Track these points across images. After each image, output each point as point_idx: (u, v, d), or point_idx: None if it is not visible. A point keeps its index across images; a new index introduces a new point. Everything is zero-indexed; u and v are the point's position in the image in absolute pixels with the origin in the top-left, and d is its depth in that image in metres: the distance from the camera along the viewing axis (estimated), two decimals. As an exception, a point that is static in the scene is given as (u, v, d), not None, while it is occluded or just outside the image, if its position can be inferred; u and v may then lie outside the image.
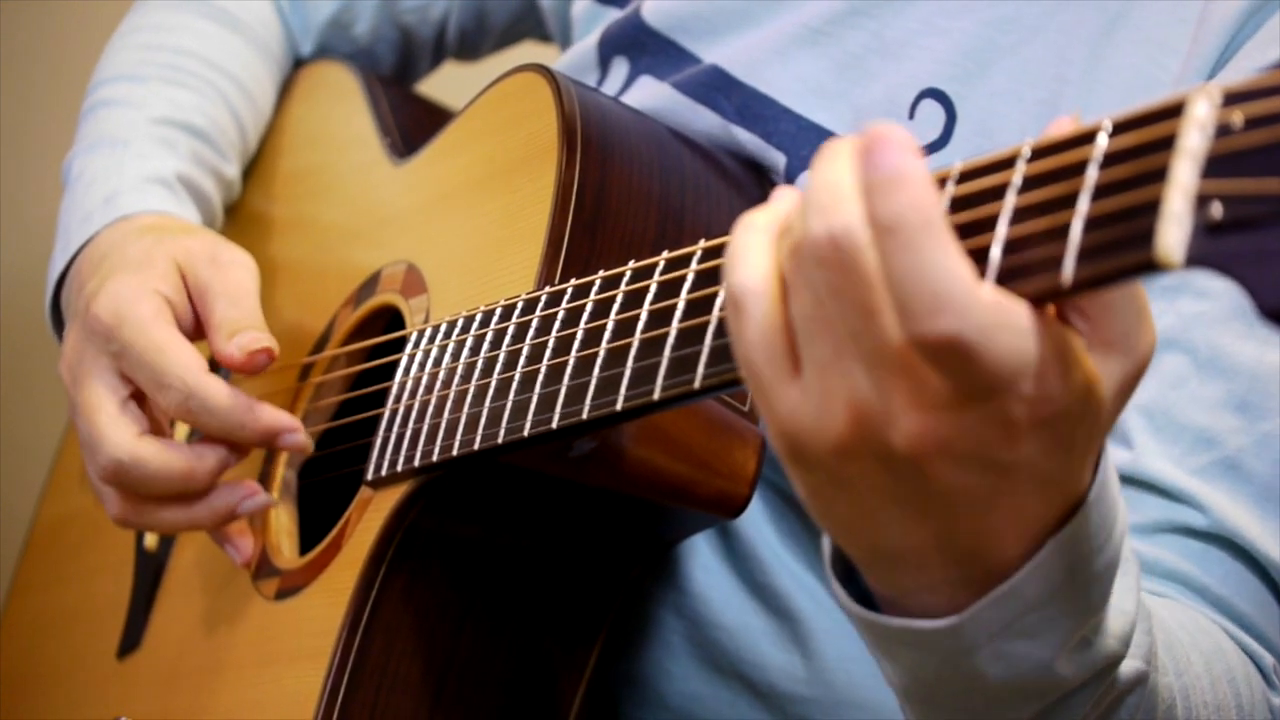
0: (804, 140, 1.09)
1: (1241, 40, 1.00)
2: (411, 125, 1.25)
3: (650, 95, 1.16)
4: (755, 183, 1.11)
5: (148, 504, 1.08)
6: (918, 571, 0.73)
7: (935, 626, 0.73)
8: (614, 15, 1.23)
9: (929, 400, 0.66)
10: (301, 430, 1.07)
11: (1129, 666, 0.80)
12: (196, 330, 1.11)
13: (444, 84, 1.48)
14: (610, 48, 1.21)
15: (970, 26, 1.07)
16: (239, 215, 1.35)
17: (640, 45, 1.19)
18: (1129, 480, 0.97)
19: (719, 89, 1.13)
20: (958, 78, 1.06)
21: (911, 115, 1.06)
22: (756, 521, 1.11)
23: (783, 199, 0.72)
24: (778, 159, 1.10)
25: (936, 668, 0.76)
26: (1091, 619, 0.76)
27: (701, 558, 1.12)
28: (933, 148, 1.05)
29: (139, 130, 1.26)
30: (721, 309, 0.79)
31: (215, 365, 1.25)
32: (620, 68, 1.20)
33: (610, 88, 1.20)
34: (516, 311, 0.96)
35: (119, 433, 1.07)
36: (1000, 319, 0.64)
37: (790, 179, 1.09)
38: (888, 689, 1.08)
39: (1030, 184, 0.66)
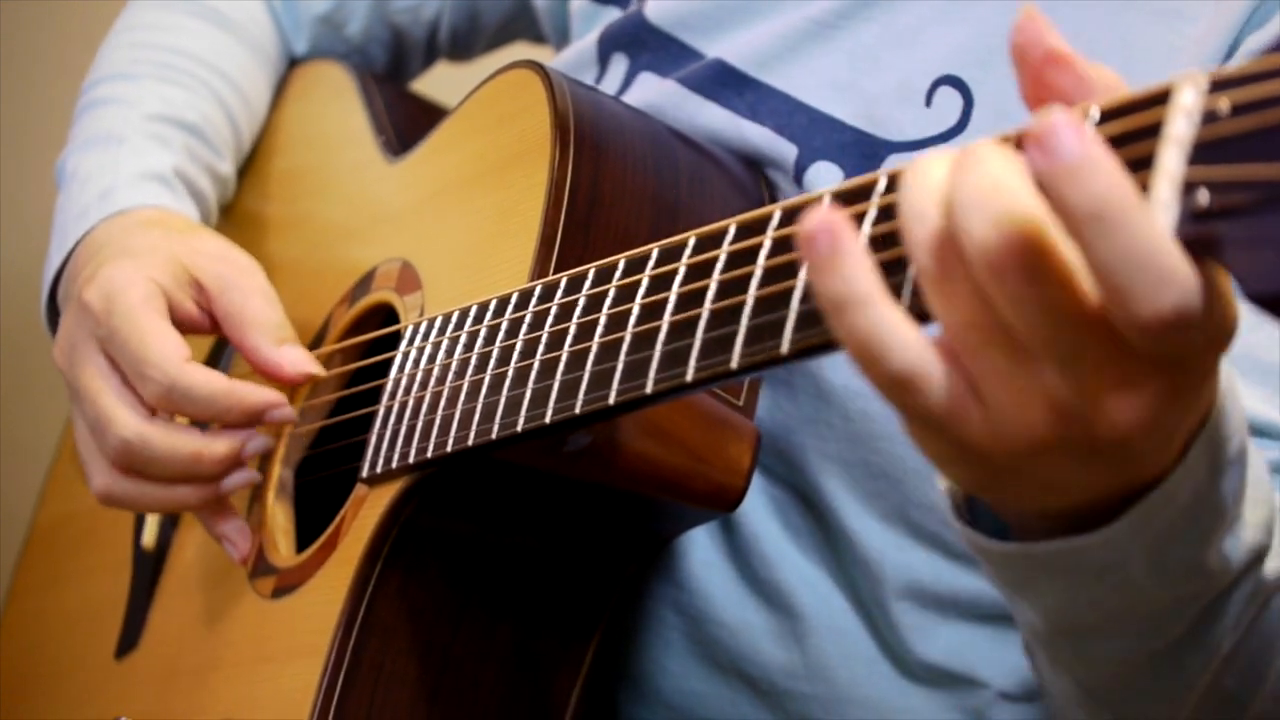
0: (815, 131, 1.09)
1: (1273, 8, 0.99)
2: (406, 123, 1.25)
3: (653, 92, 1.16)
4: (753, 181, 1.11)
5: (134, 480, 1.08)
6: (1068, 516, 0.73)
7: (1092, 540, 0.73)
8: (613, 14, 1.23)
9: (1139, 384, 0.64)
10: (286, 403, 1.07)
11: (1273, 566, 0.81)
12: (197, 323, 1.11)
13: (438, 83, 1.48)
14: (610, 45, 1.21)
15: (982, 13, 1.07)
16: (235, 213, 1.35)
17: (640, 42, 1.19)
18: None
19: (728, 85, 1.13)
20: (972, 63, 1.06)
21: (928, 103, 1.06)
22: (759, 516, 1.11)
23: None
24: (788, 151, 1.09)
25: (1091, 588, 0.75)
26: (1233, 510, 0.76)
27: (702, 553, 1.12)
28: (951, 134, 1.05)
29: (133, 127, 1.26)
30: (714, 302, 0.79)
31: (219, 350, 1.25)
32: (619, 65, 1.20)
33: (609, 85, 1.20)
34: (510, 306, 0.96)
35: (126, 413, 1.07)
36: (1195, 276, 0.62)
37: (800, 170, 1.09)
38: (888, 686, 1.10)
39: (1020, 173, 0.66)
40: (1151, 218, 0.61)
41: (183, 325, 1.11)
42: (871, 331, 0.66)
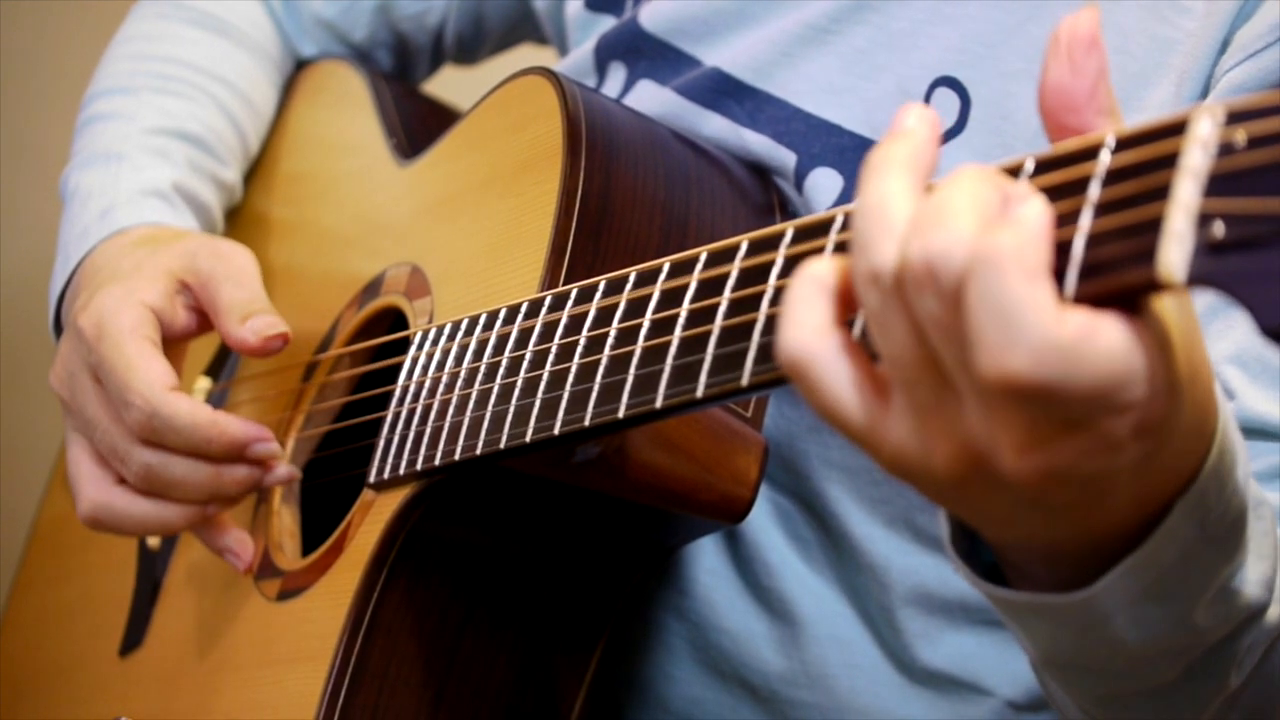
0: (814, 137, 1.09)
1: (1257, 3, 0.98)
2: (417, 125, 1.25)
3: (653, 100, 1.16)
4: (760, 188, 1.11)
5: (154, 502, 1.08)
6: (1045, 556, 0.73)
7: (1067, 601, 0.73)
8: (609, 22, 1.23)
9: (1036, 436, 0.64)
10: (272, 438, 1.07)
11: (1276, 613, 0.80)
12: (199, 325, 1.12)
13: (446, 85, 1.48)
14: (606, 53, 1.21)
15: (976, 10, 1.06)
16: (243, 217, 1.35)
17: (636, 50, 1.19)
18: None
19: (727, 93, 1.13)
20: (968, 63, 1.06)
21: (926, 105, 1.06)
22: (763, 524, 1.11)
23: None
24: (788, 158, 1.09)
25: (1074, 638, 0.76)
26: (1227, 568, 0.75)
27: (706, 560, 1.12)
28: (949, 135, 1.05)
29: (132, 142, 1.26)
30: (725, 318, 0.80)
31: (226, 353, 1.25)
32: (617, 73, 1.20)
33: (608, 92, 1.20)
34: (520, 315, 0.96)
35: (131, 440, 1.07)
36: (1085, 348, 0.61)
37: (800, 177, 1.09)
38: (889, 695, 1.10)
39: (1033, 199, 0.66)
40: (1036, 285, 0.61)
41: (182, 336, 1.11)
42: (797, 298, 0.69)
